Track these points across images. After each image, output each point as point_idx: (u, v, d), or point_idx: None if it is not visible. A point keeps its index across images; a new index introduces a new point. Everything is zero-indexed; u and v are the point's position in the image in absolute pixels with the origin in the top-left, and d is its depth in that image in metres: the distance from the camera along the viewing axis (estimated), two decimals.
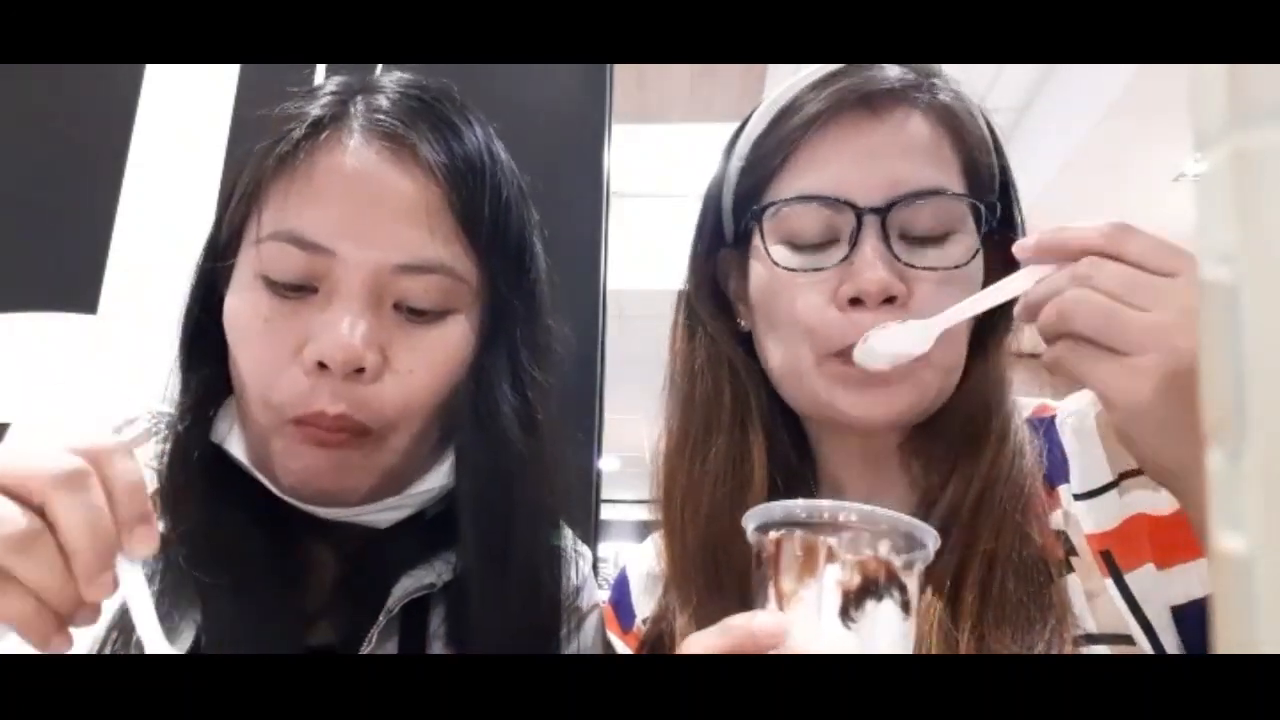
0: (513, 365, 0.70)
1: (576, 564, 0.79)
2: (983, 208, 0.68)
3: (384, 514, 0.69)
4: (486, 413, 0.68)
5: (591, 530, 1.37)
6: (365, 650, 0.66)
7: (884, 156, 0.67)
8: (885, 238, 0.65)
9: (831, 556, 0.48)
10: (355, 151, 0.66)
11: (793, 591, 0.49)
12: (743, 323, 0.75)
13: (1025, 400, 0.72)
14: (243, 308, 0.66)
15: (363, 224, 0.64)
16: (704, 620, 0.68)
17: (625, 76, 3.22)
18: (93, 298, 1.36)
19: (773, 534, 0.50)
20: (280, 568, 0.67)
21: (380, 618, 0.67)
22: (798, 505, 0.51)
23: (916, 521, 0.50)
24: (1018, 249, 0.56)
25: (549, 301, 0.74)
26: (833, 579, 0.48)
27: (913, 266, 0.65)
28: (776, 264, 0.69)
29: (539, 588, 0.71)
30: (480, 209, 0.67)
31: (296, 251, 0.64)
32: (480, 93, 0.73)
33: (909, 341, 0.63)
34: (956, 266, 0.66)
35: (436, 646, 0.69)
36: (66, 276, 1.37)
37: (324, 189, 0.65)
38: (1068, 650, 0.59)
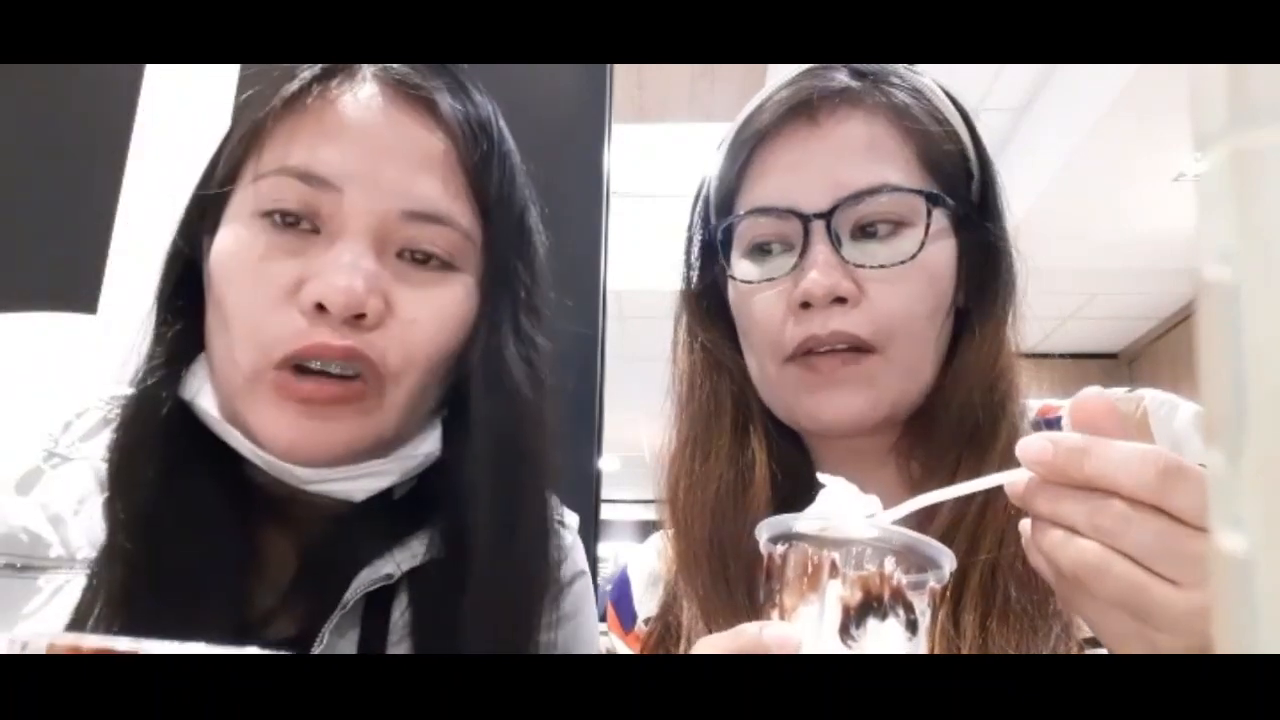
0: (517, 326, 0.67)
1: (560, 534, 0.75)
2: (925, 196, 0.67)
3: (364, 480, 0.63)
4: (495, 371, 0.65)
5: (591, 530, 1.37)
6: (318, 648, 0.61)
7: (824, 161, 0.68)
8: (834, 241, 0.66)
9: (835, 572, 0.47)
10: (370, 96, 0.63)
11: (794, 607, 0.48)
12: None
13: (1030, 402, 0.72)
14: (235, 245, 0.62)
15: (373, 167, 0.61)
16: (710, 614, 0.68)
17: (625, 76, 3.22)
18: (93, 298, 1.36)
19: (779, 547, 0.49)
20: (234, 548, 0.61)
21: (334, 615, 0.61)
22: (808, 518, 0.49)
23: (931, 541, 0.49)
24: (1021, 451, 0.45)
25: (548, 274, 0.72)
26: (834, 594, 0.47)
27: (861, 266, 0.66)
28: (735, 278, 0.71)
29: (546, 555, 0.67)
30: (490, 170, 0.65)
31: (300, 185, 0.60)
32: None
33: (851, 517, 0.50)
34: (902, 262, 0.66)
35: (395, 638, 0.64)
36: (66, 276, 1.37)
37: (334, 129, 0.61)
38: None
